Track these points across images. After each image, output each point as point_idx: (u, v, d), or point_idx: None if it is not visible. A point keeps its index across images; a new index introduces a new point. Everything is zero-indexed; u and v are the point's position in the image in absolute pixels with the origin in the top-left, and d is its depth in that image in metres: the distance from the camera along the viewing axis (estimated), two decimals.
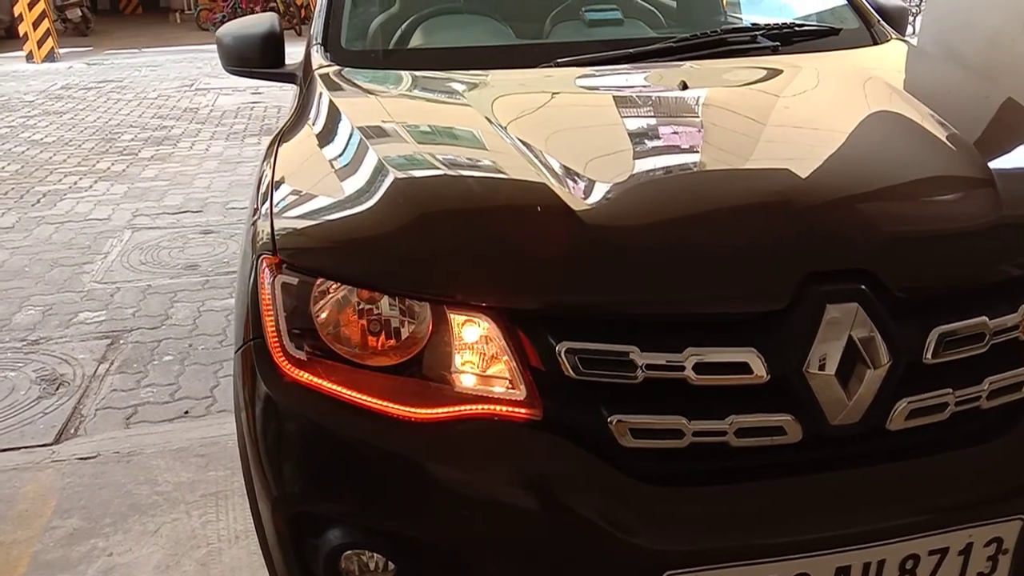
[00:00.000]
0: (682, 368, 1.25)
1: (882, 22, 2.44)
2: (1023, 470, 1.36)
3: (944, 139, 1.67)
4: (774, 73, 2.08)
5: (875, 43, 2.33)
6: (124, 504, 2.32)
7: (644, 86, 2.04)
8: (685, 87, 1.91)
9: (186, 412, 2.78)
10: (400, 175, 1.54)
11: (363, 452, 1.34)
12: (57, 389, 2.93)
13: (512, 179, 1.55)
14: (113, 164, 6.07)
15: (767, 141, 1.68)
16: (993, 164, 1.56)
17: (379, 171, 1.56)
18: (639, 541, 1.25)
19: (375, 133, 1.78)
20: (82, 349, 3.22)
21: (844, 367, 1.26)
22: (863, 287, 1.28)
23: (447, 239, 1.38)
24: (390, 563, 1.35)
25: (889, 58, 2.26)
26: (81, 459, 2.53)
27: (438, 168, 1.57)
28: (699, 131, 1.75)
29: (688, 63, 2.09)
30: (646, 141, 1.73)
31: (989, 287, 1.38)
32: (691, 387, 1.26)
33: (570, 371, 1.26)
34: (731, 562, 1.26)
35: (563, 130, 1.78)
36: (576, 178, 1.48)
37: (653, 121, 1.84)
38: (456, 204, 1.47)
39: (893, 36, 2.40)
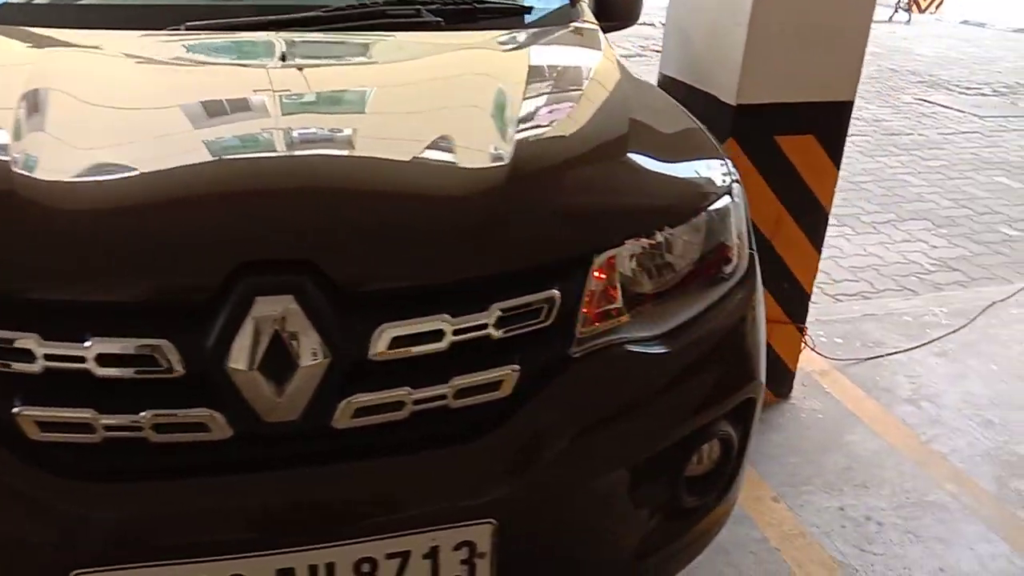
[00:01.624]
0: (83, 359, 1.18)
1: (581, 4, 2.30)
2: (499, 473, 1.33)
3: (481, 135, 1.55)
4: (391, 51, 1.95)
5: (560, 23, 2.17)
6: None
7: (234, 60, 1.86)
8: (284, 59, 1.77)
9: None
10: None
11: None
12: None
13: None
14: None
15: (285, 127, 1.51)
16: (511, 163, 1.43)
17: None
18: (43, 537, 1.20)
19: None
20: None
21: (275, 363, 1.20)
22: (302, 279, 1.21)
23: None
24: None
25: (547, 40, 2.09)
26: None
27: None
28: (236, 111, 1.60)
29: (324, 35, 1.92)
30: (172, 119, 1.55)
31: (453, 284, 1.31)
32: (104, 379, 1.19)
33: None
34: (147, 561, 1.21)
35: (86, 102, 1.59)
36: (32, 155, 1.35)
37: (206, 97, 1.65)
38: None
39: (582, 20, 2.24)
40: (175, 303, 1.23)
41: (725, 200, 1.64)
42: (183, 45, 1.88)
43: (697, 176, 1.68)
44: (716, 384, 1.58)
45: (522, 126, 1.57)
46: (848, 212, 5.10)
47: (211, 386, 1.22)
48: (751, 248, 1.72)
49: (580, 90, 1.87)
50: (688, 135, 1.80)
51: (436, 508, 1.31)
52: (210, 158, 1.43)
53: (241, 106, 1.65)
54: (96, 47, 1.85)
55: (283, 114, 1.57)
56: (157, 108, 1.60)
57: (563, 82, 1.89)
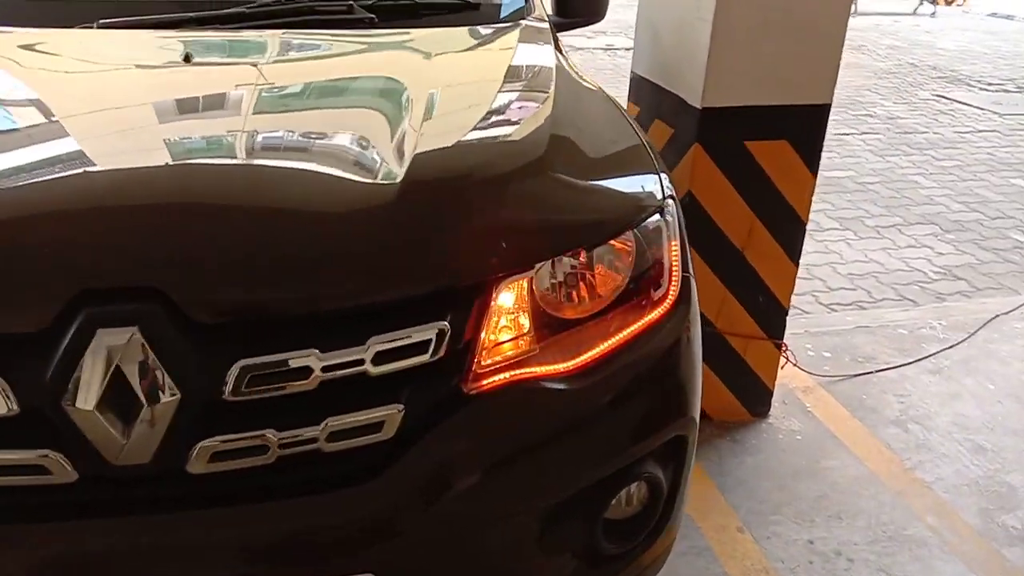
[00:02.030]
0: None
1: (533, 1, 2.18)
2: (380, 524, 1.21)
3: (375, 148, 1.41)
4: (306, 50, 1.82)
5: (503, 21, 2.04)
6: None
7: (139, 57, 1.72)
8: (188, 59, 1.65)
9: None
10: None
11: None
12: None
13: None
14: None
15: (157, 136, 1.40)
16: (402, 181, 1.29)
17: None
18: None
19: None
20: None
21: (120, 402, 1.10)
22: (148, 309, 1.09)
23: None
24: None
25: (481, 41, 1.97)
26: None
27: None
28: (111, 118, 1.47)
29: (239, 34, 1.81)
30: (45, 125, 1.43)
31: (323, 315, 1.18)
32: None
33: None
34: None
35: None
36: None
37: (84, 102, 1.53)
38: None
39: (532, 17, 2.10)
40: (8, 334, 1.11)
41: (655, 219, 1.48)
42: (86, 44, 1.77)
43: (623, 193, 1.53)
44: (638, 422, 1.43)
45: (425, 138, 1.43)
46: (852, 215, 4.89)
47: (51, 426, 1.11)
48: (687, 271, 1.56)
49: (501, 97, 1.71)
50: (621, 147, 1.64)
51: (308, 562, 1.19)
52: (61, 171, 1.30)
53: (118, 112, 1.51)
54: None
55: (160, 122, 1.44)
56: (32, 111, 1.49)
57: (484, 89, 1.73)
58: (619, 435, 1.40)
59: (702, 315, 2.48)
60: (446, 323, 1.23)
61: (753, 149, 2.35)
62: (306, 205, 1.27)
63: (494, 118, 1.61)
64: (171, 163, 1.35)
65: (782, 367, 2.85)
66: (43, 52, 1.75)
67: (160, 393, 1.11)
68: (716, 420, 2.73)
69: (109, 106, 1.52)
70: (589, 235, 1.40)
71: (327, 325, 1.19)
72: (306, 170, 1.37)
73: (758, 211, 2.43)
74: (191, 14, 1.84)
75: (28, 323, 1.10)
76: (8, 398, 1.09)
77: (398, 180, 1.30)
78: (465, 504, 1.27)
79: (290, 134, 1.48)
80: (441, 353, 1.23)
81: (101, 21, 1.80)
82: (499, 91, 1.73)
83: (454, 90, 1.66)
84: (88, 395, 1.09)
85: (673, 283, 1.50)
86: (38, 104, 1.51)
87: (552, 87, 1.69)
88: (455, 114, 1.57)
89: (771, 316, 2.62)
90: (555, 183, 1.43)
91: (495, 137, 1.55)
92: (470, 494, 1.27)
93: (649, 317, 1.45)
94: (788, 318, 2.70)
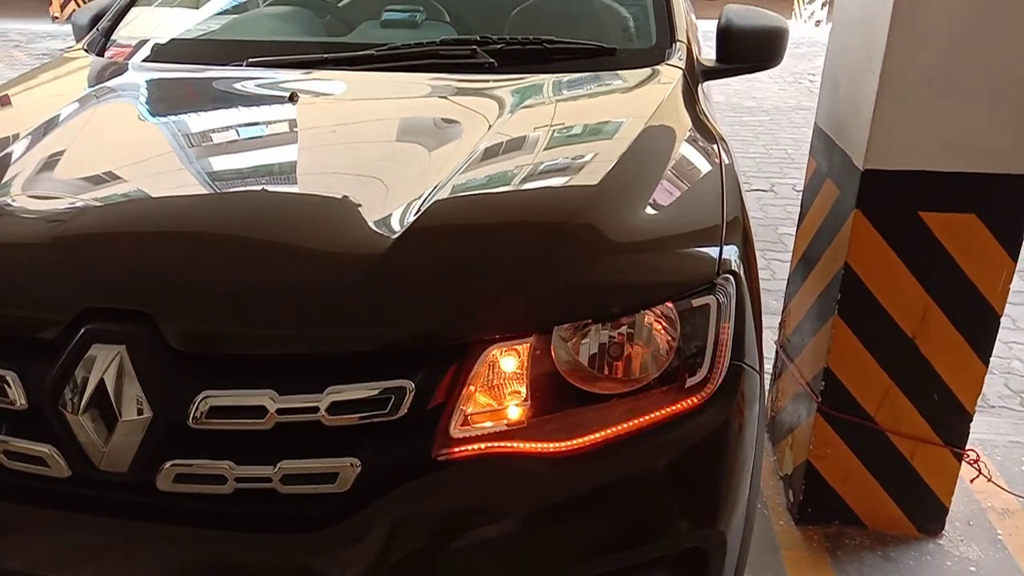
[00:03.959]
0: None
1: (678, 43, 2.07)
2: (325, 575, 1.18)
3: (393, 195, 1.40)
4: (388, 92, 1.90)
5: (634, 67, 1.97)
6: None
7: (252, 95, 1.91)
8: (293, 99, 1.79)
9: None
10: None
11: None
12: None
13: None
14: None
15: (194, 170, 1.54)
16: (403, 234, 1.29)
17: None
18: None
19: None
20: None
21: (103, 412, 1.19)
22: (138, 331, 1.19)
23: None
24: None
25: (580, 88, 1.91)
26: None
27: None
28: (161, 153, 1.62)
29: (373, 75, 1.94)
30: (104, 156, 1.62)
31: (284, 359, 1.21)
32: None
33: None
34: None
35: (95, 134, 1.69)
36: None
37: (150, 138, 1.73)
38: None
39: (668, 63, 2.01)
40: (25, 337, 1.26)
41: (704, 296, 1.30)
42: (207, 83, 1.97)
43: (665, 265, 1.37)
44: (637, 524, 1.26)
45: (451, 188, 1.39)
46: None
47: (49, 424, 1.23)
48: (743, 360, 1.35)
49: (561, 150, 1.62)
50: (685, 214, 1.46)
51: None
52: (96, 199, 1.46)
53: (180, 148, 1.66)
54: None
55: (197, 157, 1.58)
56: (105, 147, 1.67)
57: (547, 139, 1.65)
58: (609, 535, 1.25)
59: (858, 407, 2.19)
60: (410, 382, 1.18)
61: (930, 221, 1.99)
62: (297, 252, 1.30)
63: (540, 171, 1.51)
64: (193, 197, 1.45)
65: (972, 480, 2.38)
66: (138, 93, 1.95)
67: (135, 409, 1.19)
68: (871, 530, 2.35)
69: (174, 141, 1.68)
70: (607, 305, 1.26)
71: (288, 368, 1.20)
72: (309, 213, 1.40)
73: (934, 294, 2.06)
74: (325, 55, 2.01)
75: (44, 330, 1.24)
76: (19, 394, 1.23)
77: (401, 235, 1.29)
78: (416, 573, 1.20)
79: (312, 175, 1.53)
80: (403, 412, 1.18)
81: (250, 60, 1.99)
82: (563, 143, 1.64)
83: (513, 140, 1.59)
84: (77, 403, 1.19)
85: (716, 371, 1.31)
86: (113, 137, 1.71)
87: (631, 141, 1.56)
88: (497, 165, 1.51)
89: (949, 419, 2.20)
90: (577, 245, 1.31)
91: (526, 192, 1.46)
92: (422, 563, 1.20)
93: (674, 406, 1.28)
94: (989, 419, 2.25)
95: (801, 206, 2.46)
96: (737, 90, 7.76)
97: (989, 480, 2.45)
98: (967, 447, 2.25)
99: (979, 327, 2.09)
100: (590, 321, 1.25)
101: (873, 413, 2.20)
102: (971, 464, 2.32)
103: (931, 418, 2.20)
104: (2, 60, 9.12)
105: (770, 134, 6.49)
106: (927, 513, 2.31)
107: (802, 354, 2.37)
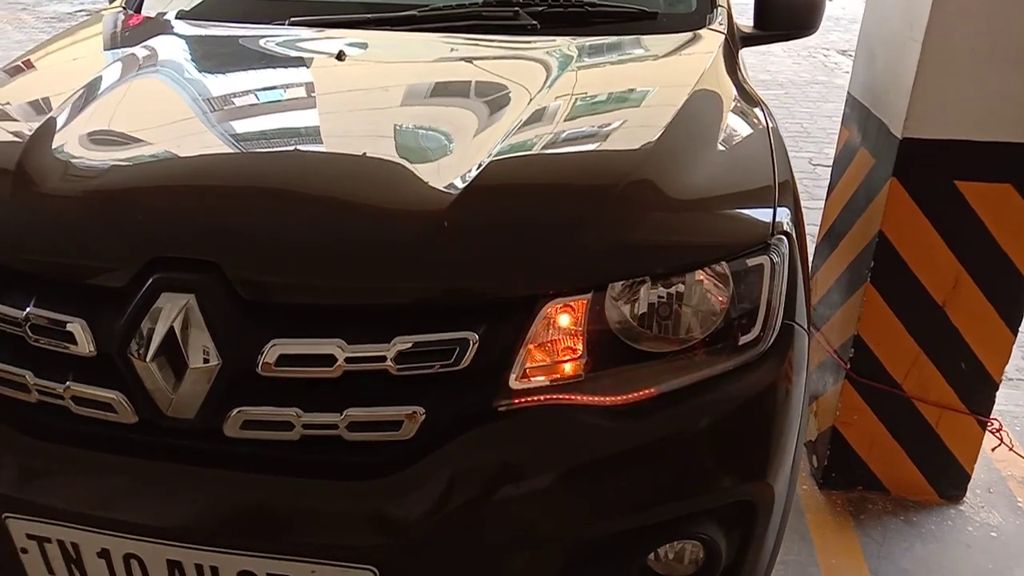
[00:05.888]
0: (19, 323, 1.27)
1: (719, 8, 2.08)
2: (388, 521, 1.21)
3: (456, 153, 1.42)
4: (441, 54, 1.88)
5: (674, 31, 1.98)
6: None
7: (296, 55, 1.90)
8: (340, 58, 1.78)
9: None
10: None
11: None
12: None
13: None
14: None
15: (261, 127, 1.56)
16: (466, 189, 1.31)
17: None
18: None
19: None
20: None
21: (172, 359, 1.21)
22: (206, 280, 1.20)
23: None
24: None
25: (624, 51, 1.93)
26: None
27: None
28: (233, 110, 1.63)
29: (417, 35, 1.94)
30: (173, 112, 1.63)
31: (354, 309, 1.22)
32: (38, 348, 1.27)
33: None
34: (57, 520, 1.26)
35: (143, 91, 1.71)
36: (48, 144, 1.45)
37: (215, 95, 1.74)
38: None
39: (710, 27, 2.01)
40: (94, 286, 1.27)
41: (758, 256, 1.33)
42: (265, 40, 1.96)
43: (721, 223, 1.38)
44: (688, 476, 1.30)
45: (508, 147, 1.40)
46: None
47: (117, 371, 1.25)
48: (794, 320, 1.37)
49: (616, 113, 1.64)
50: (738, 176, 1.47)
51: (315, 540, 1.23)
52: (163, 152, 1.47)
53: (238, 105, 1.67)
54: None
55: (257, 113, 1.59)
56: (167, 102, 1.68)
57: (602, 100, 1.67)
58: (661, 485, 1.28)
59: (886, 374, 2.22)
60: (474, 333, 1.20)
61: (965, 190, 2.01)
62: (361, 205, 1.32)
63: (593, 132, 1.53)
64: (263, 152, 1.47)
65: (993, 449, 2.42)
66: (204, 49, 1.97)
67: (203, 357, 1.21)
68: (894, 495, 2.39)
69: (240, 98, 1.69)
70: (662, 264, 1.29)
71: (357, 319, 1.22)
72: (374, 168, 1.41)
73: (967, 263, 2.08)
74: (367, 15, 2.00)
75: (113, 279, 1.25)
76: (89, 341, 1.25)
77: (464, 190, 1.30)
78: (478, 519, 1.23)
79: (377, 133, 1.53)
80: (467, 363, 1.20)
81: (292, 19, 2.00)
82: (613, 107, 1.65)
83: (563, 102, 1.60)
84: (147, 349, 1.21)
85: (768, 331, 1.33)
86: (182, 94, 1.70)
87: (680, 104, 1.57)
88: (549, 126, 1.52)
89: (975, 387, 2.23)
90: (633, 204, 1.33)
91: (583, 151, 1.48)
92: (484, 509, 1.23)
93: (727, 364, 1.30)
94: (1010, 392, 2.29)
95: (831, 176, 2.47)
96: (751, 63, 7.68)
97: (1011, 449, 2.49)
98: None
99: (1010, 297, 2.12)
100: (647, 279, 1.27)
101: (901, 380, 2.23)
102: (993, 433, 2.36)
103: (958, 386, 2.23)
104: (10, 23, 9.09)
105: (785, 108, 6.46)
106: (950, 480, 2.35)
107: (829, 323, 2.40)
